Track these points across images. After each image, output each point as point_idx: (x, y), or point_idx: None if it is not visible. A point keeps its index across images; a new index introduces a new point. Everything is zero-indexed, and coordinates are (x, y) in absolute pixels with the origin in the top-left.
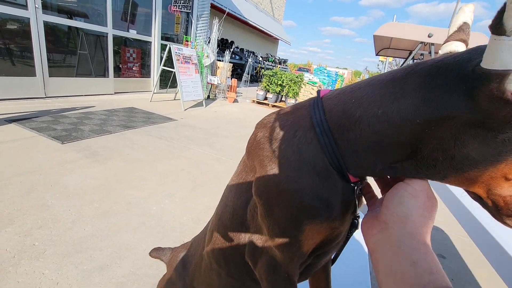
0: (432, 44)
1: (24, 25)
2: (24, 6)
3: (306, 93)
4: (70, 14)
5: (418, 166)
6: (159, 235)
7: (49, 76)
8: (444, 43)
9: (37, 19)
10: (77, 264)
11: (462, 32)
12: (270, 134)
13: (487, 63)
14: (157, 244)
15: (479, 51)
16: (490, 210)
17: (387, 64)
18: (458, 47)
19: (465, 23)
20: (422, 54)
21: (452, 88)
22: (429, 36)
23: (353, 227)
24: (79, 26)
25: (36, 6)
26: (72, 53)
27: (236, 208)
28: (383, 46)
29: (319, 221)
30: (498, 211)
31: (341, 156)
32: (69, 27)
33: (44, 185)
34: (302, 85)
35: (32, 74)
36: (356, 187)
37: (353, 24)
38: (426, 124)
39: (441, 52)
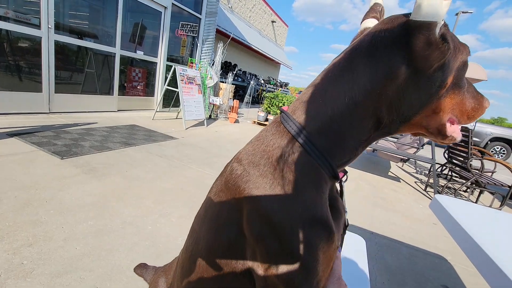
0: None
1: (35, 44)
2: (38, 26)
3: None
4: (81, 35)
5: (382, 130)
6: (153, 257)
7: (55, 93)
8: (362, 21)
9: (48, 38)
10: (65, 285)
11: (373, 11)
12: (253, 162)
13: (417, 16)
14: None
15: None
16: (431, 138)
17: None
18: (373, 23)
19: (376, 3)
20: None
21: (392, 51)
22: None
23: (345, 225)
24: (88, 46)
25: (49, 26)
26: (79, 71)
27: (213, 247)
28: None
29: (331, 234)
30: (437, 135)
31: (328, 155)
32: (79, 47)
33: (39, 200)
34: None
35: (39, 90)
36: (341, 182)
37: None
38: (382, 89)
39: (361, 27)
